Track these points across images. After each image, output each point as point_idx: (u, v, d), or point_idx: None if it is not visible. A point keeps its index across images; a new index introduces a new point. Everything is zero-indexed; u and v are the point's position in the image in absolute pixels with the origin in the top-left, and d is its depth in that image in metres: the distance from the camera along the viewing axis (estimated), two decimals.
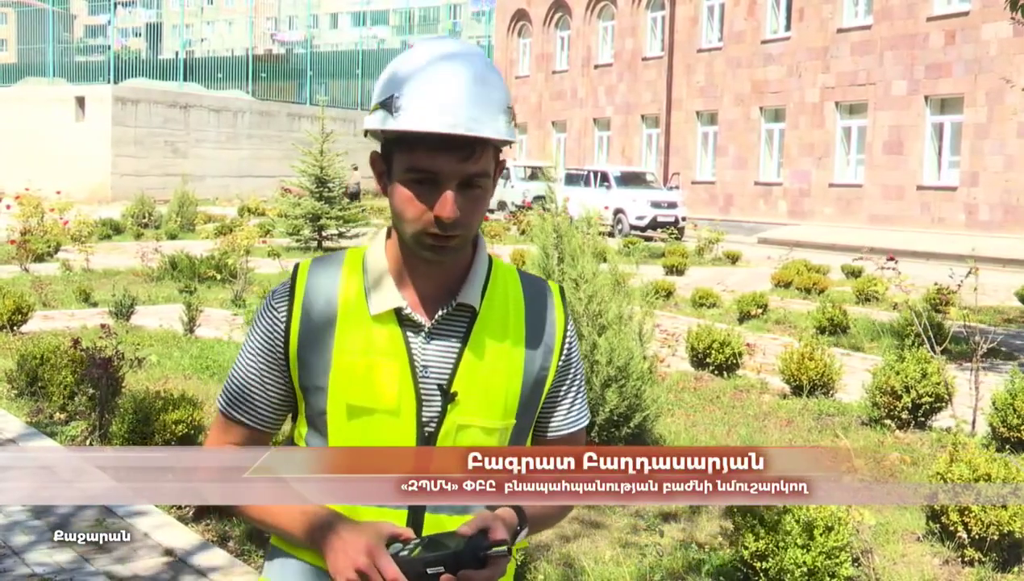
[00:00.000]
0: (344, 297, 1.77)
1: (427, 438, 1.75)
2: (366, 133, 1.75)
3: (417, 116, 1.64)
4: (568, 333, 1.87)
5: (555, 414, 1.89)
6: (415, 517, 1.72)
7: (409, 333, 1.75)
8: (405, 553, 1.62)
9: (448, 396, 1.75)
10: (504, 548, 1.62)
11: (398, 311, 1.76)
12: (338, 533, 1.65)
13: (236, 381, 1.84)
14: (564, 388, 1.88)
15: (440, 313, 1.76)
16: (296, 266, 1.82)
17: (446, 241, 1.69)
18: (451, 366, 1.76)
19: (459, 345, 1.76)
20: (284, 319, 1.78)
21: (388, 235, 1.81)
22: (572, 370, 1.88)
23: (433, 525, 1.72)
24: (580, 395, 1.92)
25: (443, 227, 1.67)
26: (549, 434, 1.90)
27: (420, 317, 1.76)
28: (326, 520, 1.68)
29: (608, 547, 4.89)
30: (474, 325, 1.78)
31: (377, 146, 1.76)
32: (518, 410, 1.80)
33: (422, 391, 1.75)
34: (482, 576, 1.61)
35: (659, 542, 4.94)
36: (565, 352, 1.86)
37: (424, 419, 1.75)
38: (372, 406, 1.74)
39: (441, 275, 1.77)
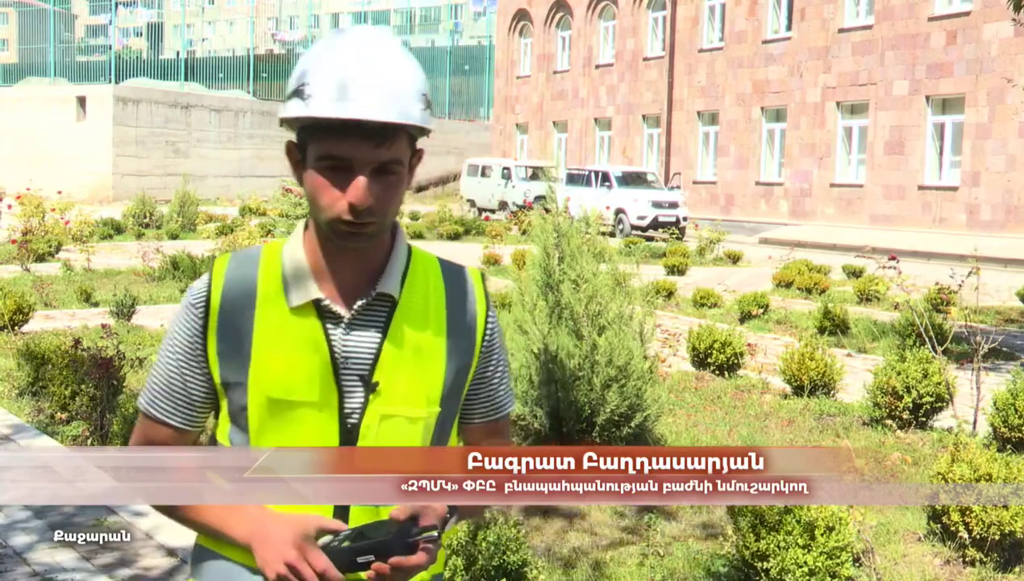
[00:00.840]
0: (262, 291, 1.76)
1: (350, 430, 1.74)
2: (281, 123, 1.74)
3: (328, 103, 1.64)
4: (489, 320, 1.87)
5: (480, 401, 1.90)
6: (341, 508, 1.71)
7: (329, 325, 1.75)
8: (335, 544, 1.63)
9: (370, 387, 1.74)
10: (434, 533, 1.63)
11: (317, 303, 1.75)
12: (265, 528, 1.65)
13: (158, 380, 1.82)
14: (488, 374, 1.88)
15: (359, 304, 1.75)
16: (213, 261, 1.81)
17: (361, 228, 1.68)
18: (372, 357, 1.75)
19: (379, 335, 1.76)
20: (202, 315, 1.77)
21: (306, 227, 1.80)
22: (495, 356, 1.89)
23: (359, 515, 1.71)
24: (505, 381, 1.92)
25: (357, 214, 1.66)
26: (476, 420, 1.91)
27: (339, 308, 1.75)
28: (254, 516, 1.68)
29: (609, 547, 4.89)
30: (394, 315, 1.77)
31: (292, 136, 1.75)
32: (442, 398, 1.80)
33: (343, 383, 1.74)
34: (412, 562, 1.62)
35: (660, 542, 4.93)
36: (487, 339, 1.86)
37: (346, 411, 1.74)
38: (293, 399, 1.73)
39: (360, 265, 1.76)
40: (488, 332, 1.86)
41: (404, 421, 1.76)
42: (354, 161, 1.66)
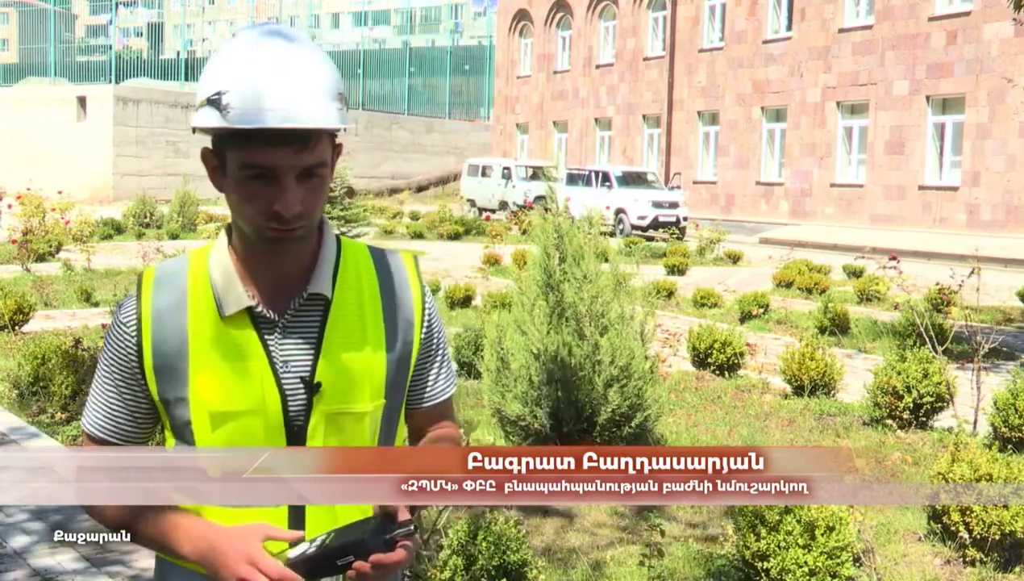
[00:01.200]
0: (193, 303, 1.73)
1: (296, 432, 1.72)
2: (194, 130, 1.70)
3: (249, 112, 1.60)
4: (427, 304, 1.85)
5: (426, 386, 1.89)
6: (296, 511, 1.70)
7: (264, 331, 1.72)
8: (312, 551, 1.61)
9: (312, 388, 1.72)
10: (411, 528, 1.61)
11: (250, 310, 1.72)
12: (214, 548, 1.64)
13: (98, 402, 1.79)
14: (431, 359, 1.87)
15: (292, 306, 1.73)
16: (140, 276, 1.78)
17: (289, 233, 1.67)
18: (311, 358, 1.73)
19: (316, 336, 1.74)
20: (135, 334, 1.73)
21: (229, 233, 1.77)
22: (436, 339, 1.87)
23: (316, 517, 1.70)
24: (446, 363, 1.91)
25: (284, 221, 1.65)
26: (424, 405, 1.90)
27: (272, 313, 1.73)
28: (200, 532, 1.66)
29: (609, 547, 4.88)
30: (329, 313, 1.75)
31: (207, 141, 1.72)
32: (386, 390, 1.78)
33: (285, 387, 1.72)
34: (392, 560, 1.60)
35: (660, 542, 4.93)
36: (426, 323, 1.84)
37: (291, 414, 1.72)
38: (236, 409, 1.71)
39: (289, 267, 1.74)
40: (426, 317, 1.84)
41: (350, 418, 1.75)
42: (278, 168, 1.63)
